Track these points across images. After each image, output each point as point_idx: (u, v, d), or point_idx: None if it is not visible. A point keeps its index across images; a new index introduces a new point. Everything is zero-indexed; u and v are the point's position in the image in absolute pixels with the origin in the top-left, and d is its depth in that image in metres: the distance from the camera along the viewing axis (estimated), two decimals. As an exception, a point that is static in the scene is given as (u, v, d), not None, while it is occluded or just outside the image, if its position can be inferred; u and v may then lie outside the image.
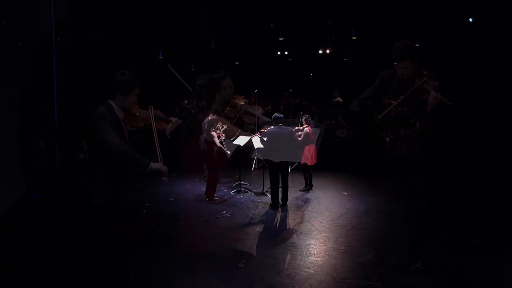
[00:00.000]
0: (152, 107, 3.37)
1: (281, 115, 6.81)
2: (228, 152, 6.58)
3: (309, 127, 7.29)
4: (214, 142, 6.44)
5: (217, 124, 6.51)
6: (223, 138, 6.59)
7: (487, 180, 7.50)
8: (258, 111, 7.83)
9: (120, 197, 3.14)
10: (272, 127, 6.41)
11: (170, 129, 3.54)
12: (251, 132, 7.11)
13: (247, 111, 7.62)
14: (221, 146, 6.47)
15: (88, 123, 3.07)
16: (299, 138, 7.30)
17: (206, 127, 6.49)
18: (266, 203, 6.55)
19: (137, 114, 3.29)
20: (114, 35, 10.20)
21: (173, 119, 3.60)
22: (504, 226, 5.18)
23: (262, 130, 6.89)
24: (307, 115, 7.65)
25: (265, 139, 6.22)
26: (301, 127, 7.38)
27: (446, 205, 6.27)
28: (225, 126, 7.07)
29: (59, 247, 4.60)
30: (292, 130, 6.49)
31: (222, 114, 7.10)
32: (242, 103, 10.25)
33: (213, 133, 6.51)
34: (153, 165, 2.93)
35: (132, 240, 4.91)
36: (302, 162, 7.38)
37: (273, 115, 6.88)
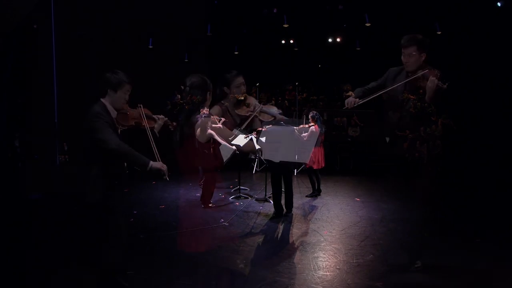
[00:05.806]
0: (141, 105, 3.58)
1: (279, 111, 6.32)
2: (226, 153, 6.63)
3: (316, 126, 7.24)
4: (211, 141, 6.47)
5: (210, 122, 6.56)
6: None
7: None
8: (273, 110, 7.78)
9: (116, 197, 3.37)
10: (271, 126, 6.26)
11: (158, 128, 3.73)
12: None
13: (263, 110, 7.58)
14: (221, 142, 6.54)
15: (79, 122, 3.25)
16: (304, 139, 7.27)
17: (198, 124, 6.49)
18: (269, 210, 6.55)
19: (128, 113, 3.49)
20: (100, 23, 10.20)
21: (159, 117, 3.78)
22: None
23: (260, 129, 6.86)
24: (315, 112, 7.51)
25: (263, 139, 6.18)
26: (307, 126, 7.33)
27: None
28: (219, 123, 7.13)
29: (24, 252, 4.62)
30: (294, 129, 6.36)
31: (233, 113, 7.11)
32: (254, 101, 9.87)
33: (211, 132, 6.52)
34: (153, 164, 3.16)
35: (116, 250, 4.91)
36: (307, 166, 7.36)
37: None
